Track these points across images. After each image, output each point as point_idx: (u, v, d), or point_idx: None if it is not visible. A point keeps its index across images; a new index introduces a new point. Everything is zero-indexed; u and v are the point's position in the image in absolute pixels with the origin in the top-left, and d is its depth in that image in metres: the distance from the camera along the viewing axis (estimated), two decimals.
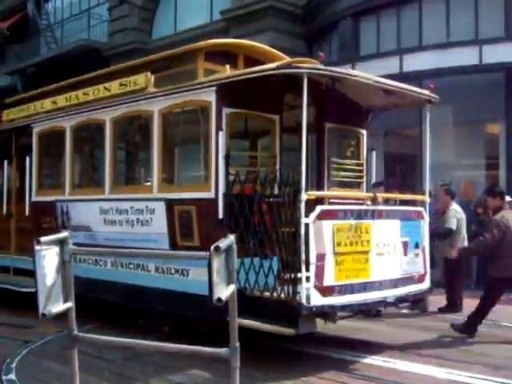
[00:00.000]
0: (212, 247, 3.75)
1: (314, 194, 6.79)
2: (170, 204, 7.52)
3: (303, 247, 6.40)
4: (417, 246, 7.76)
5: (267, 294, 6.78)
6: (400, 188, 12.44)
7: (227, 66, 7.53)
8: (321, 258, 6.53)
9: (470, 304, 8.91)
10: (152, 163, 7.81)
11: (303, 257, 6.39)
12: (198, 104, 7.32)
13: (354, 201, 8.18)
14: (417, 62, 14.72)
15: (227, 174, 7.05)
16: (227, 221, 7.01)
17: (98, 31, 25.78)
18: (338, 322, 7.21)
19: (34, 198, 9.79)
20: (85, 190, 9.03)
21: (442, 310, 9.96)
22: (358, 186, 8.62)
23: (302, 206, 6.40)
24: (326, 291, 6.59)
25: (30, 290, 9.58)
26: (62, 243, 4.47)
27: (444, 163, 14.46)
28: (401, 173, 16.43)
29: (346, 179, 8.36)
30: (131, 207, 8.04)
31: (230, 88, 7.08)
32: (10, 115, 10.90)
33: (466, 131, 15.58)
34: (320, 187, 8.36)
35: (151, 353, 6.91)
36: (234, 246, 3.95)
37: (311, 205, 6.64)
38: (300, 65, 6.58)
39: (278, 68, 6.66)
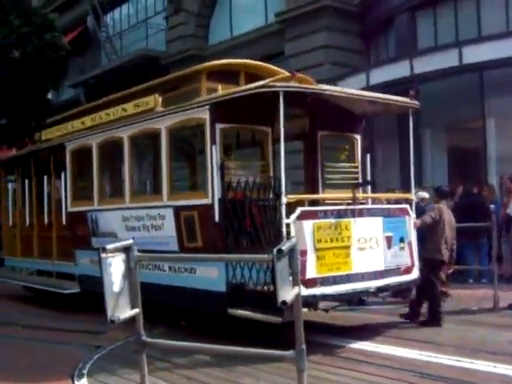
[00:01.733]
0: (275, 250, 3.97)
1: (294, 197, 7.78)
2: (177, 210, 8.68)
3: None
4: (402, 240, 8.63)
5: (259, 287, 7.75)
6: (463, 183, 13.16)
7: (219, 86, 8.56)
8: (303, 253, 7.52)
9: None
10: (162, 174, 8.96)
11: None
12: (196, 121, 8.50)
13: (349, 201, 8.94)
14: (476, 53, 14.81)
15: (222, 181, 8.14)
16: (223, 224, 8.05)
17: (156, 40, 26.98)
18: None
19: (70, 209, 11.22)
20: (109, 201, 10.39)
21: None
22: (353, 187, 9.46)
23: (283, 208, 7.39)
24: (308, 283, 7.59)
25: (70, 291, 10.92)
26: (127, 250, 4.67)
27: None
28: (465, 168, 16.63)
29: (340, 181, 9.22)
30: (147, 214, 9.29)
31: (221, 106, 8.17)
32: (48, 135, 12.38)
33: None
34: (314, 190, 9.32)
35: (219, 356, 7.24)
36: (297, 248, 4.19)
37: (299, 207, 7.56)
38: (275, 84, 7.58)
39: (256, 88, 7.71)
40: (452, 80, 15.55)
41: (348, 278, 8.02)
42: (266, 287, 7.77)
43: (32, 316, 11.24)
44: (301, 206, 7.84)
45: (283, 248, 3.95)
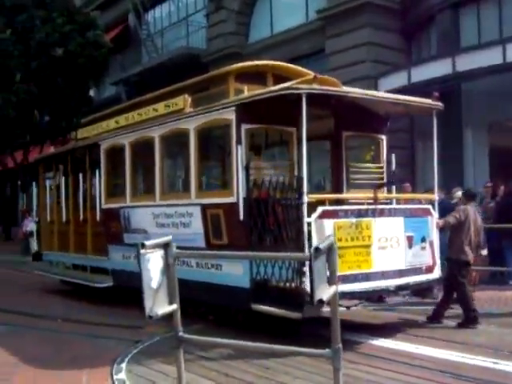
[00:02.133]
0: (312, 248, 4.08)
1: (315, 196, 8.04)
2: (204, 208, 9.02)
3: (306, 242, 7.64)
4: (423, 239, 8.83)
5: (282, 284, 8.04)
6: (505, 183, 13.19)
7: (246, 88, 8.85)
8: None
9: None
10: (190, 173, 9.31)
11: (306, 251, 7.61)
12: (222, 122, 8.85)
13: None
14: None
15: (247, 181, 8.43)
16: (247, 221, 8.36)
17: (196, 38, 27.33)
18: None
19: (103, 206, 11.70)
20: (141, 198, 10.81)
21: None
22: (382, 186, 9.68)
23: (304, 207, 7.66)
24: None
25: (103, 285, 11.36)
26: (165, 247, 4.75)
27: None
28: (507, 167, 16.36)
29: (365, 181, 9.44)
30: (175, 212, 9.67)
31: (247, 107, 8.48)
32: (84, 133, 12.86)
33: None
34: (339, 190, 9.56)
35: (256, 353, 7.27)
36: (335, 247, 4.21)
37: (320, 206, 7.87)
38: (299, 86, 7.84)
39: (279, 90, 8.00)
40: (495, 78, 15.51)
41: (368, 277, 8.28)
42: (287, 284, 8.02)
43: (71, 309, 11.68)
44: (322, 205, 8.05)
45: (321, 246, 3.99)
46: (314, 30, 20.68)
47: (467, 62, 15.59)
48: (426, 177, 16.16)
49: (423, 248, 8.96)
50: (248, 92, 9.09)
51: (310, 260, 3.95)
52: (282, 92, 8.10)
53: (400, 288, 8.70)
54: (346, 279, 8.09)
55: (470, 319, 9.16)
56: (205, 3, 26.66)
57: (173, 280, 4.75)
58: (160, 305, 4.68)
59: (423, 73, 16.73)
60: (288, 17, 22.44)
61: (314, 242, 7.83)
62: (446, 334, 8.69)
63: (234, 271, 8.84)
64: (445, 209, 9.97)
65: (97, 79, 28.66)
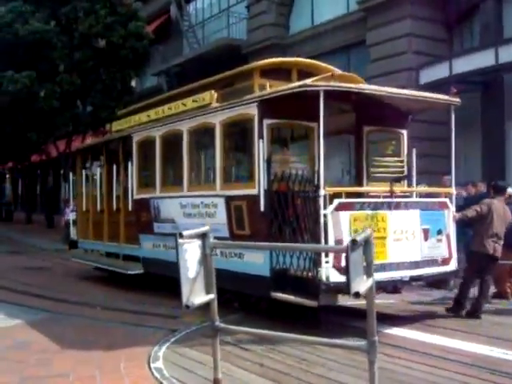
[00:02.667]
0: (349, 240, 4.13)
1: (332, 189, 8.42)
2: (228, 200, 9.49)
3: (323, 234, 8.03)
4: (440, 232, 9.15)
5: (299, 273, 8.45)
6: None
7: (267, 84, 9.25)
8: (339, 242, 8.20)
9: None
10: (215, 166, 9.80)
11: (322, 241, 8.01)
12: (246, 117, 9.33)
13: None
14: None
15: (268, 174, 8.86)
16: (268, 213, 8.78)
17: (237, 29, 27.70)
18: None
19: (135, 196, 12.29)
20: (170, 189, 11.37)
21: None
22: (398, 180, 9.99)
23: (321, 199, 8.06)
24: (343, 270, 8.17)
25: (134, 272, 11.91)
26: (203, 237, 4.82)
27: None
28: None
29: (385, 175, 9.77)
30: (201, 202, 10.18)
31: (269, 103, 8.90)
32: (118, 126, 13.47)
33: None
34: (360, 183, 9.91)
35: (291, 344, 7.52)
36: (371, 239, 4.25)
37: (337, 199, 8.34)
38: (317, 83, 8.23)
39: (298, 87, 8.39)
40: None
41: (383, 267, 8.64)
42: (304, 273, 8.41)
43: (108, 297, 12.18)
44: (339, 197, 8.42)
45: (358, 239, 4.03)
46: (354, 20, 20.94)
47: (510, 53, 15.59)
48: (468, 169, 16.46)
49: (439, 240, 9.27)
50: (271, 88, 9.48)
51: (347, 252, 3.98)
52: (301, 89, 8.51)
53: (414, 279, 8.98)
54: None
55: (473, 312, 9.49)
56: None
57: (210, 270, 4.86)
58: (197, 294, 4.78)
59: (465, 64, 16.74)
60: (329, 8, 22.71)
61: (331, 233, 8.23)
62: (477, 328, 8.90)
63: (256, 260, 9.25)
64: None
65: (138, 70, 29.32)
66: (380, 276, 8.61)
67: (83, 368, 7.18)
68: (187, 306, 4.62)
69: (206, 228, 4.82)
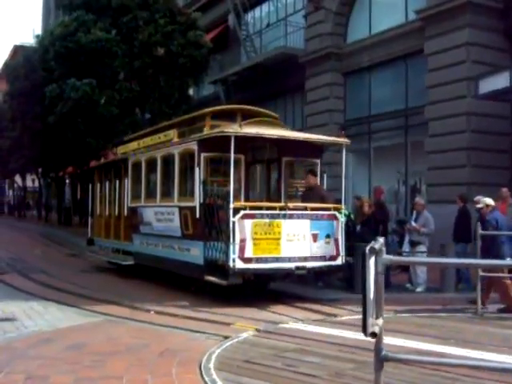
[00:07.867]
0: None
1: (239, 204, 12.81)
2: (180, 209, 14.07)
3: (231, 234, 12.40)
4: (328, 236, 13.36)
5: (220, 262, 12.89)
6: None
7: (208, 126, 13.72)
8: (243, 241, 12.62)
9: None
10: (174, 184, 14.33)
11: (231, 240, 12.40)
12: (191, 151, 14.35)
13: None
14: None
15: (204, 191, 13.36)
16: (202, 219, 13.23)
17: (294, 38, 30.44)
18: None
19: (129, 205, 17.44)
20: (149, 200, 16.49)
21: None
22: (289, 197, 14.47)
23: (231, 211, 12.47)
24: (246, 260, 12.95)
25: (127, 263, 16.52)
26: (376, 253, 4.44)
27: None
28: None
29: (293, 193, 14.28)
30: (166, 210, 14.71)
31: (205, 141, 13.46)
32: (121, 150, 18.34)
33: None
34: (278, 199, 14.29)
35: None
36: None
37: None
38: (229, 130, 12.71)
39: (217, 132, 12.83)
40: None
41: (277, 260, 13.08)
42: (222, 262, 12.79)
43: (163, 301, 13.77)
44: (244, 209, 12.79)
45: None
46: (412, 30, 22.51)
47: None
48: (494, 179, 18.67)
49: (327, 242, 13.62)
50: (209, 129, 13.96)
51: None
52: (218, 134, 12.95)
53: (300, 268, 13.18)
54: (260, 260, 12.91)
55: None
56: (304, 3, 29.52)
57: (381, 290, 4.49)
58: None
59: None
60: (387, 17, 24.57)
61: (237, 235, 12.60)
62: None
63: (196, 253, 13.66)
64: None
65: (196, 78, 32.01)
66: (274, 266, 12.98)
67: (135, 371, 7.86)
68: (374, 334, 4.29)
69: (380, 242, 4.52)
